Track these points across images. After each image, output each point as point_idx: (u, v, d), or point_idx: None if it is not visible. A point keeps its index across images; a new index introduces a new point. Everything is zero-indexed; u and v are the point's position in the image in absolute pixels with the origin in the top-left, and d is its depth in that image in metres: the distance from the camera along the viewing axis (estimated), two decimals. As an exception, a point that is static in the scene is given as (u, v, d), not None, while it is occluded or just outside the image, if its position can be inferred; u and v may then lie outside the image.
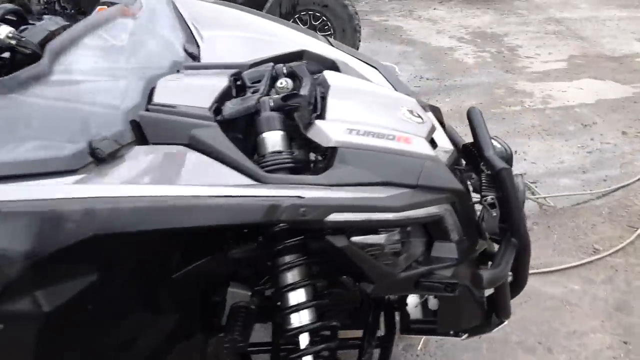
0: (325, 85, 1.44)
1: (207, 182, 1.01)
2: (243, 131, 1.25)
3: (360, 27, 4.47)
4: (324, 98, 1.35)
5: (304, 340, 1.11)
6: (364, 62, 1.73)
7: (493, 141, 1.56)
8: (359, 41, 4.50)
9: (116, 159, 1.08)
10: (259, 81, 1.39)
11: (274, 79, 1.41)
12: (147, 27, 1.61)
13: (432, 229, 1.20)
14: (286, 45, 1.75)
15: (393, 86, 1.66)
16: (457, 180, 1.21)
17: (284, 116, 1.24)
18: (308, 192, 1.00)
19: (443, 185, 1.18)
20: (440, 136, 1.39)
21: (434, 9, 6.84)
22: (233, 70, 1.44)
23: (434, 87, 4.45)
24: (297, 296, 1.12)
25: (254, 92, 1.34)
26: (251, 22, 1.83)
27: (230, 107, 1.23)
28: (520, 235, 1.28)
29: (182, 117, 1.19)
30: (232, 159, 1.07)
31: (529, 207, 2.83)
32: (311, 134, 1.20)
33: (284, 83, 1.38)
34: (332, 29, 4.40)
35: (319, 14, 4.36)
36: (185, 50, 1.62)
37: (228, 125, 1.22)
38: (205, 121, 1.18)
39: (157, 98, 1.30)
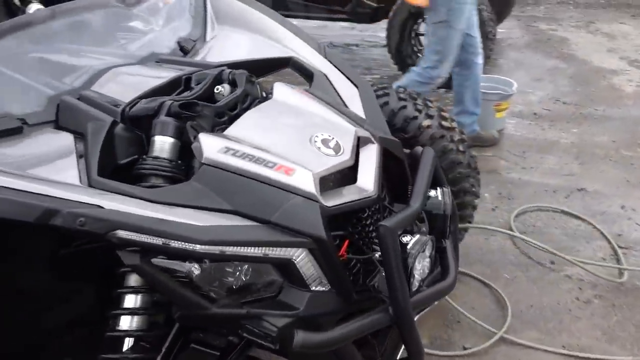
0: (268, 98, 1.39)
1: (47, 176, 1.06)
2: (146, 131, 1.27)
3: (494, 35, 4.08)
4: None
5: (126, 344, 1.11)
6: (348, 78, 1.61)
7: (434, 192, 1.36)
8: (491, 50, 4.12)
9: (16, 137, 1.19)
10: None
11: (218, 82, 1.39)
12: (147, 13, 1.72)
13: (284, 273, 1.10)
14: (285, 51, 1.71)
15: (364, 109, 1.53)
16: (323, 227, 1.08)
17: (181, 123, 1.22)
18: (116, 203, 0.99)
19: (301, 229, 1.07)
20: (366, 176, 1.24)
21: (621, 22, 5.90)
22: (193, 69, 1.47)
23: (567, 114, 3.89)
24: (133, 300, 1.12)
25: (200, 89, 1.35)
26: (268, 26, 1.81)
27: (137, 106, 1.26)
28: (397, 306, 1.10)
29: (89, 107, 1.26)
30: (87, 157, 1.11)
31: (598, 278, 2.36)
32: (194, 147, 1.18)
33: (221, 89, 1.36)
34: (461, 34, 4.08)
35: (449, 16, 4.08)
36: (179, 43, 1.69)
37: (135, 123, 1.26)
38: (106, 115, 1.24)
39: (96, 85, 1.39)
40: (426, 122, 2.03)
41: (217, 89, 1.36)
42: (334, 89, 1.56)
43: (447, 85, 4.12)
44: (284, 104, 1.37)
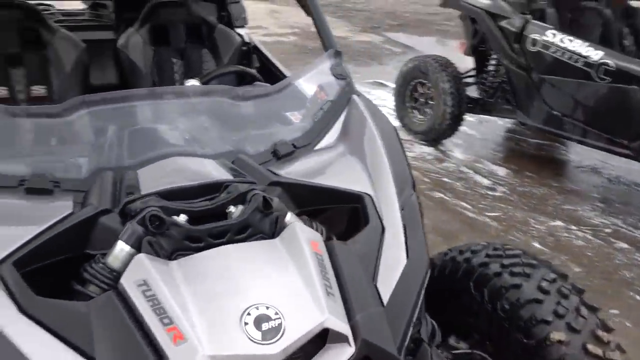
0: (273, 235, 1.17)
1: None
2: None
3: None
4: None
5: None
6: (406, 244, 1.23)
7: None
8: None
9: (44, 196, 1.28)
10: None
11: (241, 200, 1.23)
12: (269, 108, 1.68)
13: None
14: (367, 187, 1.42)
15: (392, 293, 1.13)
16: None
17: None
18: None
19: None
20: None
21: None
22: (245, 179, 1.35)
23: None
24: None
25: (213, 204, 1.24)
26: (374, 149, 1.54)
27: (135, 202, 1.20)
28: None
29: (107, 187, 1.27)
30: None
31: None
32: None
33: (232, 209, 1.20)
34: None
35: None
36: (275, 145, 1.57)
37: (132, 218, 1.21)
38: (108, 200, 1.23)
39: (146, 169, 1.39)
40: (558, 335, 1.41)
41: (229, 208, 1.21)
42: (378, 253, 1.21)
43: None
44: (277, 252, 1.10)
